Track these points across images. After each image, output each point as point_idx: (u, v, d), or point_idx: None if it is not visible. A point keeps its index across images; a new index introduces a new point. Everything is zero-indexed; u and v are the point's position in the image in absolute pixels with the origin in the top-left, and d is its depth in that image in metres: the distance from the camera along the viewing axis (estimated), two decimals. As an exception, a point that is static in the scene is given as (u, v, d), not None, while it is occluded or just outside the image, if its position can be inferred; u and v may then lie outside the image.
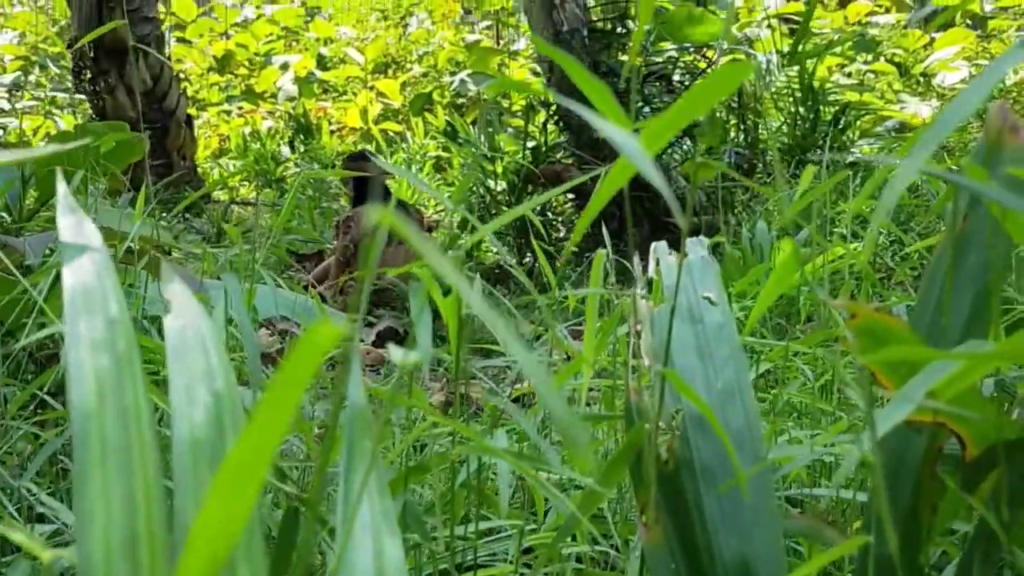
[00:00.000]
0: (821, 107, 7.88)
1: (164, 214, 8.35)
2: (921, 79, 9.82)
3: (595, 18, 7.77)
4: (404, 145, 10.63)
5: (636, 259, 1.03)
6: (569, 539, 1.12)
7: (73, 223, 0.63)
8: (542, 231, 3.96)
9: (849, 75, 9.83)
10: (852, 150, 7.81)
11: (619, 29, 7.87)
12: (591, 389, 1.78)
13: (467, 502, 1.03)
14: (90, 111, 9.30)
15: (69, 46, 9.47)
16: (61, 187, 0.66)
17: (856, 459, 0.59)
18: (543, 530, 1.29)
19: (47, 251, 2.64)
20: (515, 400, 2.77)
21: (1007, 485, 0.66)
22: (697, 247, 1.04)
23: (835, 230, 5.68)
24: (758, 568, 0.81)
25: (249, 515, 0.45)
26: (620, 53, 7.81)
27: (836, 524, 0.94)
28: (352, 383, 0.66)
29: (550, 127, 7.84)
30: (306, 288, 6.06)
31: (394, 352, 0.58)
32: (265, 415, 0.40)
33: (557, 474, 1.06)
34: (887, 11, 11.70)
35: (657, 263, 1.02)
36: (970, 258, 0.76)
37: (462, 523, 1.02)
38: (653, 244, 1.04)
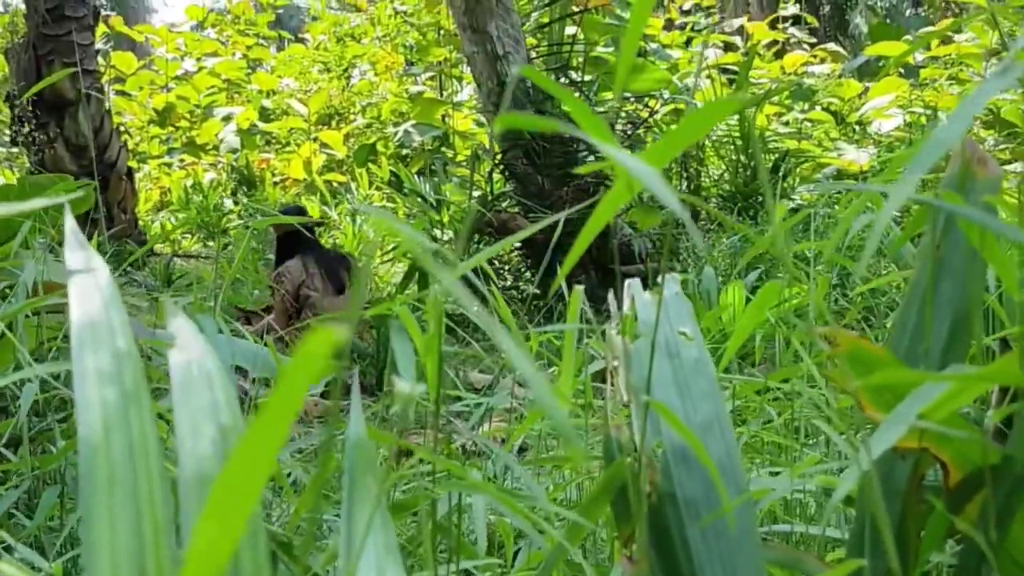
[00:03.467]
0: (761, 154, 8.02)
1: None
2: (857, 127, 10.03)
3: (538, 69, 7.85)
4: (348, 196, 10.63)
5: (611, 296, 1.04)
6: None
7: (81, 257, 0.63)
8: (493, 278, 3.98)
9: (787, 123, 10.01)
10: (793, 196, 7.95)
11: (561, 79, 7.96)
12: (551, 436, 1.78)
13: (441, 543, 1.03)
14: (28, 165, 9.21)
15: (7, 99, 9.38)
16: (69, 222, 0.66)
17: (853, 481, 0.60)
18: (514, 571, 1.29)
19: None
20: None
21: (994, 508, 0.68)
22: (670, 284, 1.06)
23: (779, 274, 5.75)
24: (745, 598, 0.82)
25: (244, 529, 0.44)
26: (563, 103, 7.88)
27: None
28: (353, 416, 0.66)
29: (496, 176, 7.89)
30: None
31: (399, 383, 0.58)
32: (266, 420, 0.39)
33: (532, 516, 1.06)
34: (822, 61, 11.95)
35: (632, 300, 1.03)
36: (945, 285, 0.78)
37: (439, 565, 1.02)
38: (627, 281, 1.06)
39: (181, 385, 0.64)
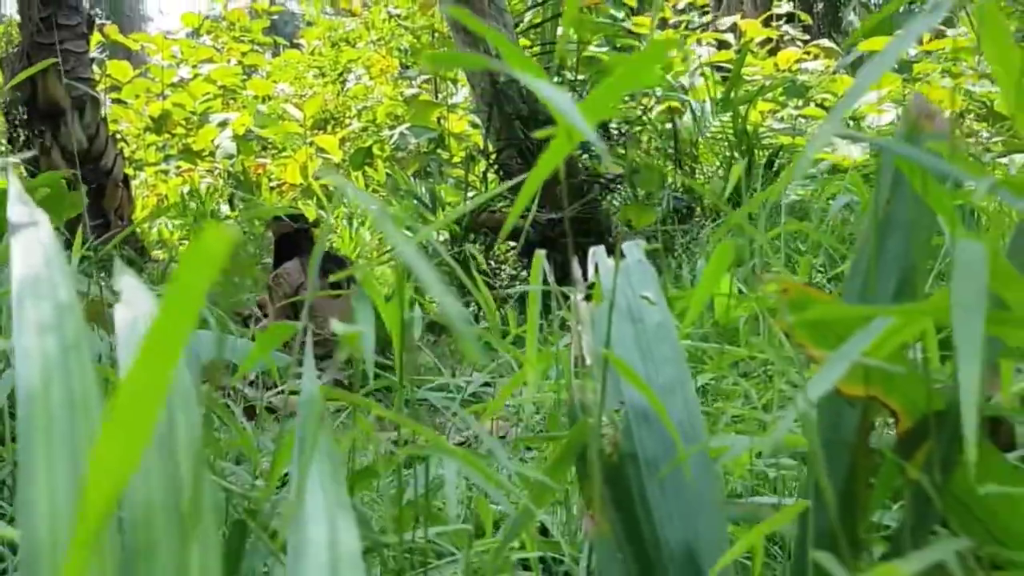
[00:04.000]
0: (755, 151, 8.02)
1: (102, 273, 8.23)
2: (851, 122, 10.03)
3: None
4: (345, 200, 10.63)
5: (574, 262, 1.05)
6: (518, 545, 1.12)
7: (24, 212, 0.64)
8: (481, 261, 4.00)
9: (781, 120, 10.01)
10: (787, 192, 7.94)
11: (556, 79, 7.95)
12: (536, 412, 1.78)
13: (414, 512, 1.03)
14: (24, 173, 9.21)
15: (3, 107, 9.39)
16: (13, 183, 0.67)
17: (790, 421, 0.61)
18: (486, 539, 1.29)
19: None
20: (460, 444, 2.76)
21: (939, 453, 0.68)
22: (634, 250, 1.06)
23: (774, 269, 5.74)
24: (703, 553, 0.83)
25: (151, 430, 0.44)
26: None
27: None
28: (306, 373, 0.66)
29: (490, 176, 7.90)
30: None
31: (336, 326, 0.58)
32: (165, 320, 0.39)
33: (498, 478, 1.06)
34: (816, 58, 11.95)
35: (596, 267, 1.03)
36: (894, 240, 0.78)
37: (410, 532, 1.02)
38: (592, 249, 1.06)
39: (126, 340, 0.65)
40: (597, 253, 1.06)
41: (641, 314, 0.98)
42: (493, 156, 7.83)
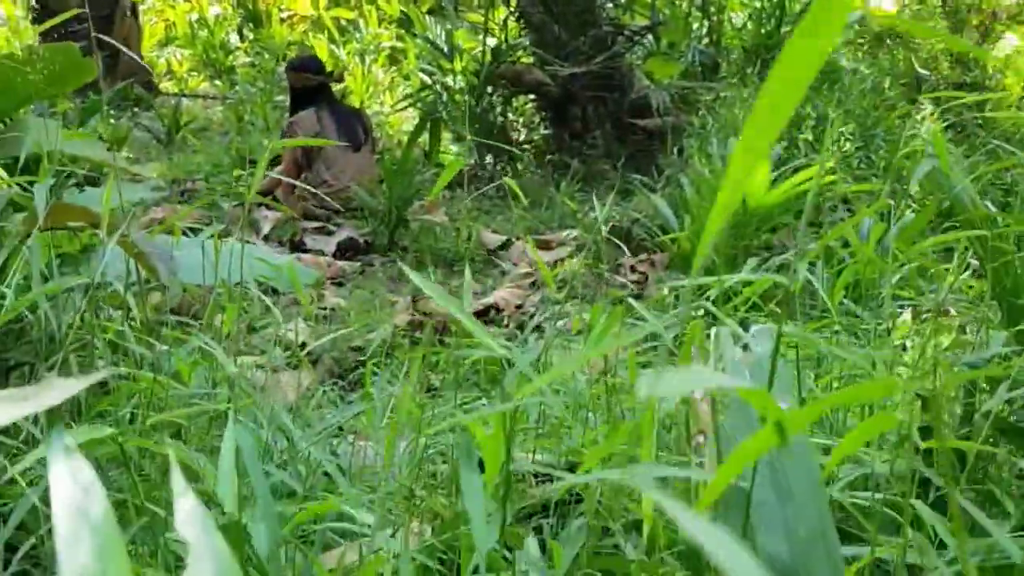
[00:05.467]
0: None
1: (112, 111, 8.05)
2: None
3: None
4: (357, 35, 10.34)
5: (694, 351, 0.94)
6: None
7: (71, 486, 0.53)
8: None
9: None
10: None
11: None
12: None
13: None
14: (32, 2, 8.95)
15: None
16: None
17: None
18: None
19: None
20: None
21: None
22: (763, 338, 0.95)
23: (800, 136, 5.58)
24: None
25: None
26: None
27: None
28: None
29: (511, 24, 7.63)
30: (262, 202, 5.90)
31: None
32: None
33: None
34: None
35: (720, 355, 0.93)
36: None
37: None
38: (713, 330, 0.95)
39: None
40: (721, 338, 0.95)
41: (776, 438, 0.88)
42: (514, 2, 7.56)
